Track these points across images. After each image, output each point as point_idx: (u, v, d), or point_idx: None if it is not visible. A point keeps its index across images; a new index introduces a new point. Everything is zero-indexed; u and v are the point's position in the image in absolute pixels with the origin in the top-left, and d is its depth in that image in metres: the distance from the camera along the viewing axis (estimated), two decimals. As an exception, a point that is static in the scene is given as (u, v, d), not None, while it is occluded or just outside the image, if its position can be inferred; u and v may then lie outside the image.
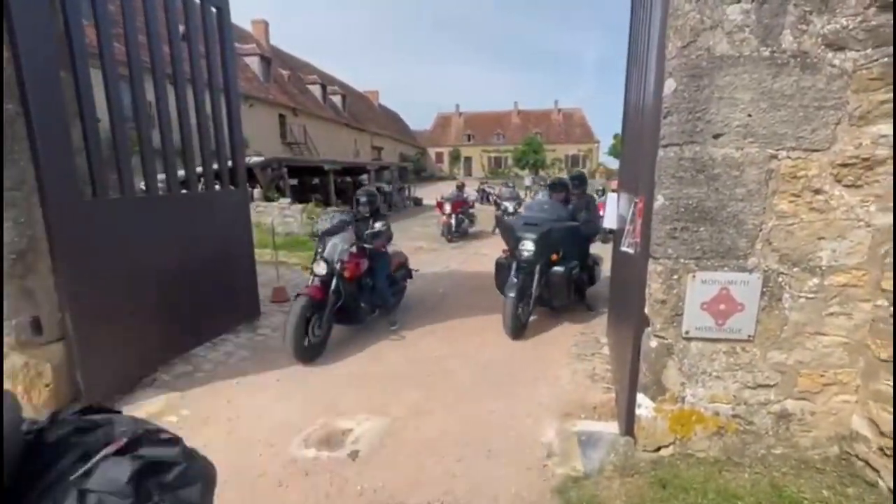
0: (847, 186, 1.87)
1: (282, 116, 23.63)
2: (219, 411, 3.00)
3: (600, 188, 16.44)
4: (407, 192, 20.55)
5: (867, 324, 1.96)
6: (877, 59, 1.76)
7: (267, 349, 3.99)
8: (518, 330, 4.12)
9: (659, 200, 2.02)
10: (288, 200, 10.69)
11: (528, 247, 4.15)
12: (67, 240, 2.78)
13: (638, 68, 2.75)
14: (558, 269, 4.29)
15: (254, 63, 22.94)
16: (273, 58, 25.46)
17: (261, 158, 11.32)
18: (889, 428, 1.87)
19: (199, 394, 3.22)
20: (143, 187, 3.63)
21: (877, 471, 1.93)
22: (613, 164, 45.63)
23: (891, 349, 1.87)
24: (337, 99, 32.05)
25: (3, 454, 0.86)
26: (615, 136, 46.10)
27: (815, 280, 1.96)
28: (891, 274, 1.87)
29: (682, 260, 2.04)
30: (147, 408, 3.02)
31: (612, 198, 3.67)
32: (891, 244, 1.86)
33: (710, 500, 1.92)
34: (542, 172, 45.38)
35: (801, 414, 2.09)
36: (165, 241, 3.52)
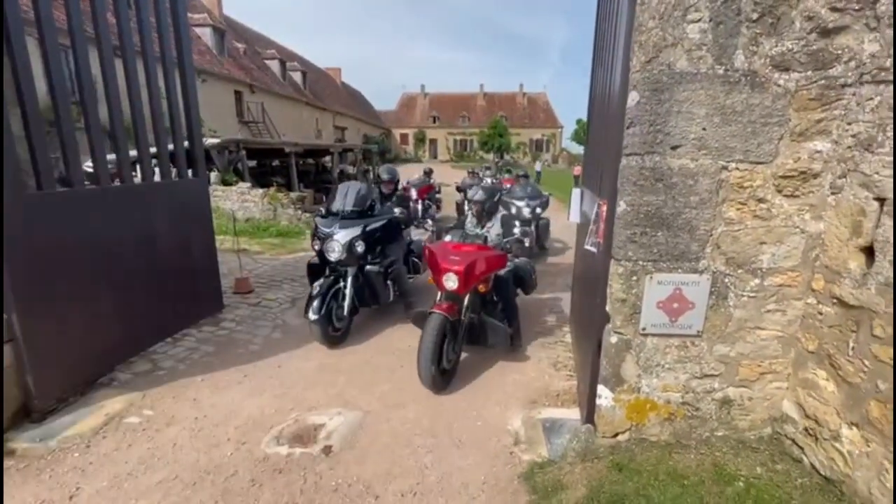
0: (786, 196, 2.06)
1: (238, 93, 22.44)
2: (184, 410, 2.95)
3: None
4: (372, 176, 20.20)
5: (798, 319, 2.19)
6: (815, 81, 1.92)
7: (232, 343, 3.92)
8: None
9: (621, 206, 2.13)
10: (248, 185, 10.26)
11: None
12: (10, 237, 2.59)
13: (603, 71, 2.84)
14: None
15: (206, 34, 21.54)
16: (227, 29, 23.97)
17: (217, 140, 10.77)
18: (813, 411, 2.12)
19: (162, 392, 3.14)
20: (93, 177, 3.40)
21: (802, 448, 2.18)
22: (576, 149, 46.64)
23: (817, 342, 2.10)
24: (297, 75, 30.70)
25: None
26: (578, 122, 47.03)
27: (757, 281, 2.16)
28: (821, 276, 2.08)
29: (640, 262, 2.18)
30: (107, 408, 2.92)
31: (575, 193, 3.79)
32: (819, 249, 2.07)
33: (661, 480, 2.11)
34: (507, 156, 45.76)
35: (741, 400, 2.32)
36: (119, 235, 3.35)
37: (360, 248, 3.90)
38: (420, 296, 4.92)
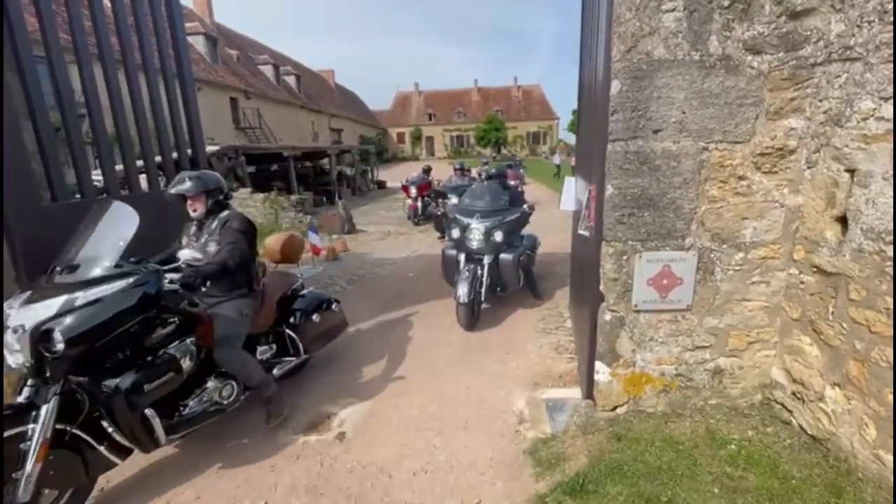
0: (765, 173, 2.16)
1: (233, 100, 22.53)
2: (203, 406, 3.07)
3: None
4: (371, 175, 20.28)
5: (782, 290, 2.30)
6: (787, 62, 2.03)
7: (243, 343, 4.04)
8: None
9: (609, 190, 2.24)
10: (248, 190, 10.41)
11: None
12: (28, 245, 2.72)
13: (589, 62, 2.94)
14: None
15: (198, 43, 21.62)
16: (219, 37, 24.06)
17: (216, 147, 10.90)
18: (799, 375, 2.23)
19: (181, 391, 3.26)
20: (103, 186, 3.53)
21: (790, 411, 2.30)
22: (573, 139, 46.45)
23: (800, 310, 2.21)
24: (291, 79, 30.76)
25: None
26: (573, 112, 46.86)
27: (741, 254, 2.27)
28: (801, 246, 2.19)
29: (630, 242, 2.29)
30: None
31: (569, 181, 3.90)
32: (799, 221, 2.18)
33: (657, 447, 2.23)
34: (504, 150, 45.75)
35: (732, 369, 2.43)
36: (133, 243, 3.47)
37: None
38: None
